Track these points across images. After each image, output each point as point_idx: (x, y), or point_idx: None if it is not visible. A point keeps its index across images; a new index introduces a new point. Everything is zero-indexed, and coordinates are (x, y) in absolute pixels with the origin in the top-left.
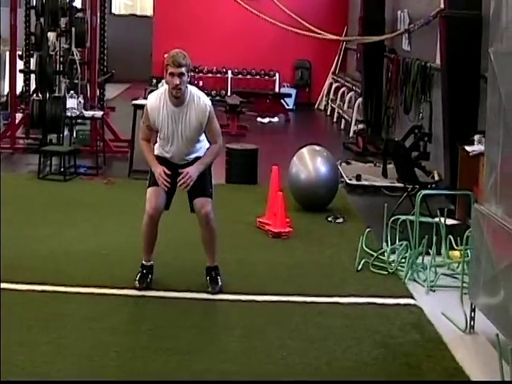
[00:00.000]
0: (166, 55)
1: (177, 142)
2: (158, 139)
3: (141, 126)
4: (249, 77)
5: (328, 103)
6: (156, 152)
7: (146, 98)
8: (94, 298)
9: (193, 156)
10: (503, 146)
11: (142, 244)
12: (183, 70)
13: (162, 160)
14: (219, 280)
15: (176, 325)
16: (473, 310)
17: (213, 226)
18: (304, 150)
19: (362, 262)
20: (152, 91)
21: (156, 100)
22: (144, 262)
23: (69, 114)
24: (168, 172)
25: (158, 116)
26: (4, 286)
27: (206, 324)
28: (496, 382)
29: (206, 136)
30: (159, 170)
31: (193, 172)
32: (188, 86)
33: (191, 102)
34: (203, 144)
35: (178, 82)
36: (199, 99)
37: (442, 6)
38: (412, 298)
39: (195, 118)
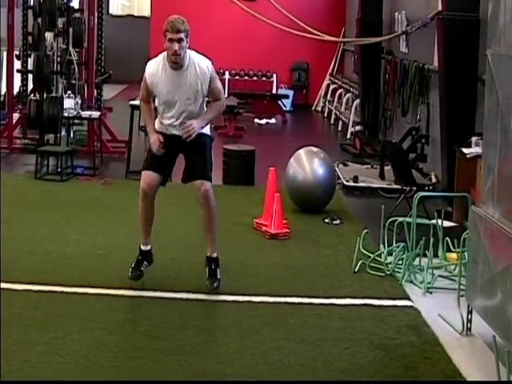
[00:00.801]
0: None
1: (177, 106)
2: (159, 111)
3: (140, 89)
4: (246, 78)
5: (325, 105)
6: (157, 127)
7: None
8: (91, 298)
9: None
10: (500, 149)
11: (139, 225)
12: (182, 35)
13: (164, 136)
14: (218, 273)
15: (173, 325)
16: (470, 312)
17: (213, 205)
18: (301, 152)
19: (358, 264)
20: None
21: (154, 65)
22: (142, 247)
23: (66, 114)
24: (162, 139)
25: (157, 80)
26: (1, 285)
27: (203, 325)
28: (494, 381)
29: (209, 96)
30: (155, 137)
31: (196, 124)
32: (187, 50)
33: (191, 65)
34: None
35: (176, 48)
36: (199, 62)
37: (440, 8)
38: (409, 299)
39: (196, 80)
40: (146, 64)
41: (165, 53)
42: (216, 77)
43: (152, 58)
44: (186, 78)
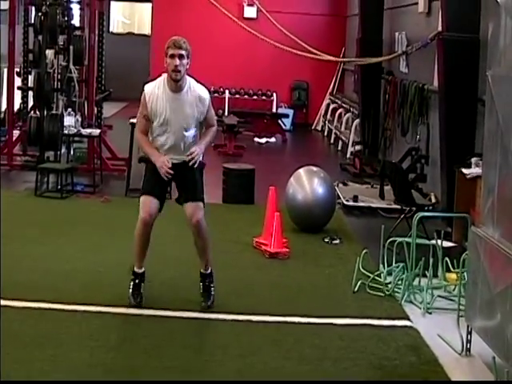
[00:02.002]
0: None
1: (173, 131)
2: (153, 136)
3: (137, 117)
4: (246, 97)
5: (325, 124)
6: None
7: None
8: (91, 315)
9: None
10: (500, 169)
11: (134, 251)
12: (183, 52)
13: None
14: (212, 291)
15: (172, 344)
16: (469, 333)
17: (205, 234)
18: (301, 171)
19: (358, 284)
20: None
21: (154, 87)
22: (136, 270)
23: (66, 131)
24: (170, 164)
25: (156, 102)
26: (1, 302)
27: (202, 343)
28: (494, 381)
29: (203, 124)
30: (162, 159)
31: (199, 149)
32: (187, 76)
33: (190, 90)
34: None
35: (177, 63)
36: (198, 90)
37: (440, 28)
38: (408, 319)
39: (194, 105)
40: (143, 86)
41: (164, 75)
42: (211, 106)
43: (149, 82)
44: (184, 101)
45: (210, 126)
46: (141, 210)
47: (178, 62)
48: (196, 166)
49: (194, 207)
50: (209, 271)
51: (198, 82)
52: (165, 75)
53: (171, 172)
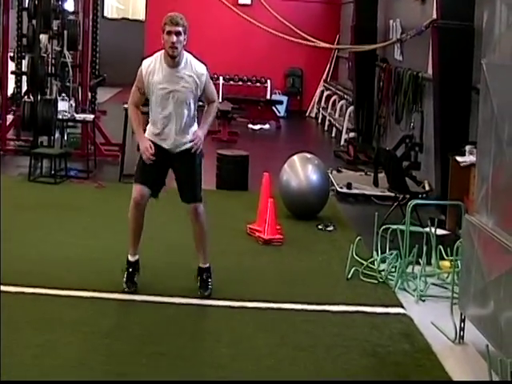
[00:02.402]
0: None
1: (170, 107)
2: (152, 113)
3: (132, 91)
4: (240, 83)
5: (319, 111)
6: (148, 135)
7: None
8: (85, 301)
9: (186, 142)
10: (495, 158)
11: (128, 236)
12: (180, 29)
13: (155, 146)
14: (209, 283)
15: (166, 330)
16: (462, 321)
17: (203, 220)
18: (295, 158)
19: (352, 271)
20: None
21: (151, 62)
22: (130, 258)
23: (60, 116)
24: (152, 147)
25: (153, 77)
26: None
27: (195, 329)
28: (494, 381)
29: (202, 99)
30: (146, 145)
31: (201, 133)
32: (185, 52)
33: (187, 65)
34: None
35: (174, 40)
36: (195, 64)
37: (435, 16)
38: (402, 307)
39: (191, 80)
40: (141, 62)
41: (161, 51)
42: (210, 80)
43: (147, 57)
44: (181, 76)
45: (210, 101)
46: (133, 191)
47: (174, 38)
48: (198, 151)
49: (195, 206)
50: (207, 265)
51: (195, 57)
52: (162, 51)
53: (152, 158)
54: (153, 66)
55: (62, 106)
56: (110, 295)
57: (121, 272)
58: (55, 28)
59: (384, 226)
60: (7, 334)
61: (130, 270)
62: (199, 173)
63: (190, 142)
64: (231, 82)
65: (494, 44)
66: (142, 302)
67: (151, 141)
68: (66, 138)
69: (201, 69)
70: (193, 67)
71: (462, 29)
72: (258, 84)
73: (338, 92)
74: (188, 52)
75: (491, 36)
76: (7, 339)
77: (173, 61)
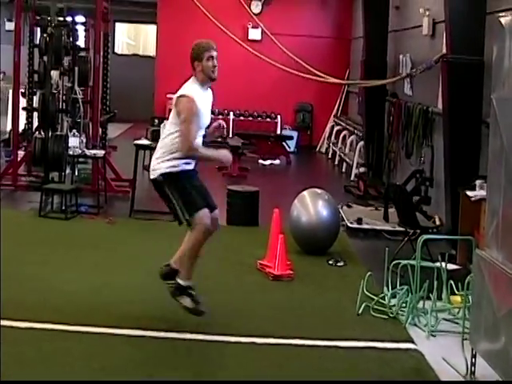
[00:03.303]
0: (193, 46)
1: (202, 130)
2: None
3: (190, 128)
4: (251, 118)
5: (329, 146)
6: (175, 165)
7: (147, 138)
8: (94, 337)
9: None
10: (505, 192)
11: (188, 263)
12: (216, 53)
13: (186, 174)
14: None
15: (175, 365)
16: (474, 356)
17: (191, 238)
18: (305, 193)
19: (362, 306)
20: (154, 131)
21: (194, 89)
22: (189, 283)
23: (71, 152)
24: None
25: (201, 104)
26: (3, 323)
27: (204, 365)
28: (494, 381)
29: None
30: (224, 151)
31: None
32: None
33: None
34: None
35: (216, 64)
36: None
37: (445, 51)
38: (413, 342)
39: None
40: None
41: (192, 80)
42: None
43: (179, 90)
44: (210, 97)
45: None
46: (205, 220)
47: (216, 62)
48: None
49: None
50: (174, 266)
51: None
52: (191, 81)
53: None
54: (198, 93)
55: (73, 141)
56: (120, 331)
57: (130, 308)
58: (66, 64)
59: (394, 261)
60: (14, 370)
61: (194, 292)
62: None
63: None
64: (241, 117)
65: (504, 79)
66: (151, 337)
67: (177, 169)
68: (76, 173)
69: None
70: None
71: (472, 63)
72: (268, 119)
73: (348, 127)
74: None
75: (500, 71)
76: (15, 374)
77: (211, 82)
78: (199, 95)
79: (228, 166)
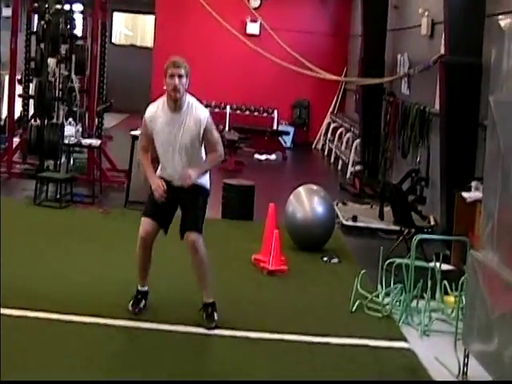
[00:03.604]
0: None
1: (175, 150)
2: (158, 156)
3: (139, 137)
4: (247, 113)
5: (326, 143)
6: (158, 173)
7: None
8: (88, 327)
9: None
10: (501, 194)
11: (136, 268)
12: (182, 72)
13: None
14: (215, 316)
15: (169, 358)
16: (466, 356)
17: (202, 255)
18: (301, 189)
19: (356, 304)
20: None
21: (154, 108)
22: (139, 287)
23: (66, 141)
24: (164, 185)
25: (156, 122)
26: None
27: (199, 358)
28: (494, 381)
29: (206, 149)
30: (157, 182)
31: (192, 172)
32: (188, 95)
33: (189, 109)
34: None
35: (176, 83)
36: (197, 108)
37: (443, 51)
38: (406, 341)
39: (193, 124)
40: (146, 107)
41: (164, 97)
42: (213, 128)
43: (152, 102)
44: (184, 120)
45: (211, 151)
46: (140, 228)
47: (177, 81)
48: (187, 186)
49: (191, 233)
50: (210, 300)
51: (199, 101)
52: (165, 96)
53: (164, 195)
54: (155, 113)
55: (69, 130)
56: (113, 321)
57: (124, 298)
58: (63, 52)
59: (389, 260)
60: (8, 357)
61: (139, 296)
62: (201, 210)
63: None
64: (238, 112)
65: (502, 81)
66: (145, 329)
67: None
68: (72, 162)
69: (201, 114)
70: (194, 111)
71: (470, 65)
72: (265, 114)
73: (345, 124)
74: (192, 95)
75: (499, 73)
76: (8, 362)
77: (175, 104)
78: (157, 113)
79: (155, 196)
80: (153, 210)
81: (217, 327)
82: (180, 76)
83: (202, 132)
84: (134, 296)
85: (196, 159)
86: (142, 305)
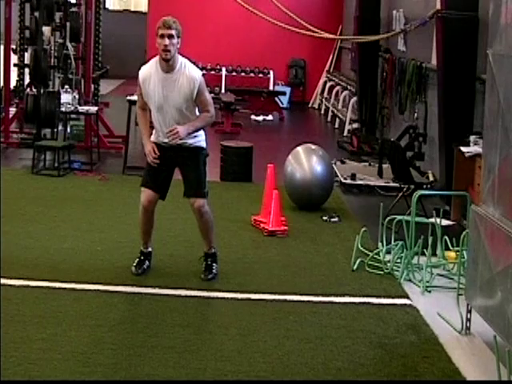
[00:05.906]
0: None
1: (168, 111)
2: (152, 116)
3: (136, 96)
4: (243, 74)
5: (322, 102)
6: (153, 138)
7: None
8: (89, 294)
9: (189, 143)
10: (501, 148)
11: (140, 232)
12: (173, 32)
13: (159, 148)
14: (213, 268)
15: (172, 323)
16: (469, 312)
17: (207, 218)
18: (299, 149)
19: (357, 262)
20: None
21: (147, 69)
22: (142, 249)
23: (63, 109)
24: (156, 150)
25: (149, 83)
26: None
27: (201, 322)
28: (494, 381)
29: (199, 108)
30: (149, 147)
31: (181, 129)
32: (180, 56)
33: (182, 69)
34: (200, 132)
35: (167, 43)
36: (190, 68)
37: (439, 6)
38: (408, 298)
39: (186, 85)
40: (139, 68)
41: (157, 57)
42: (205, 89)
43: (146, 63)
44: (177, 80)
45: (204, 110)
46: (141, 196)
47: (167, 41)
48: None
49: (197, 199)
50: (212, 251)
51: (192, 62)
52: (157, 57)
53: (157, 161)
54: (148, 73)
55: (65, 98)
56: (115, 288)
57: (125, 265)
58: (58, 20)
59: (389, 217)
60: (12, 328)
61: (142, 258)
62: (202, 170)
63: (192, 142)
64: (234, 73)
65: (500, 34)
66: (146, 294)
67: (156, 143)
68: (69, 130)
69: (194, 74)
70: (186, 72)
71: (467, 19)
72: (261, 75)
73: (341, 83)
74: (184, 57)
75: (497, 26)
76: (12, 333)
77: (166, 65)
78: (150, 73)
79: (148, 160)
80: (151, 179)
81: (218, 290)
82: (170, 36)
83: (195, 92)
84: (138, 257)
85: (189, 121)
86: (145, 266)
